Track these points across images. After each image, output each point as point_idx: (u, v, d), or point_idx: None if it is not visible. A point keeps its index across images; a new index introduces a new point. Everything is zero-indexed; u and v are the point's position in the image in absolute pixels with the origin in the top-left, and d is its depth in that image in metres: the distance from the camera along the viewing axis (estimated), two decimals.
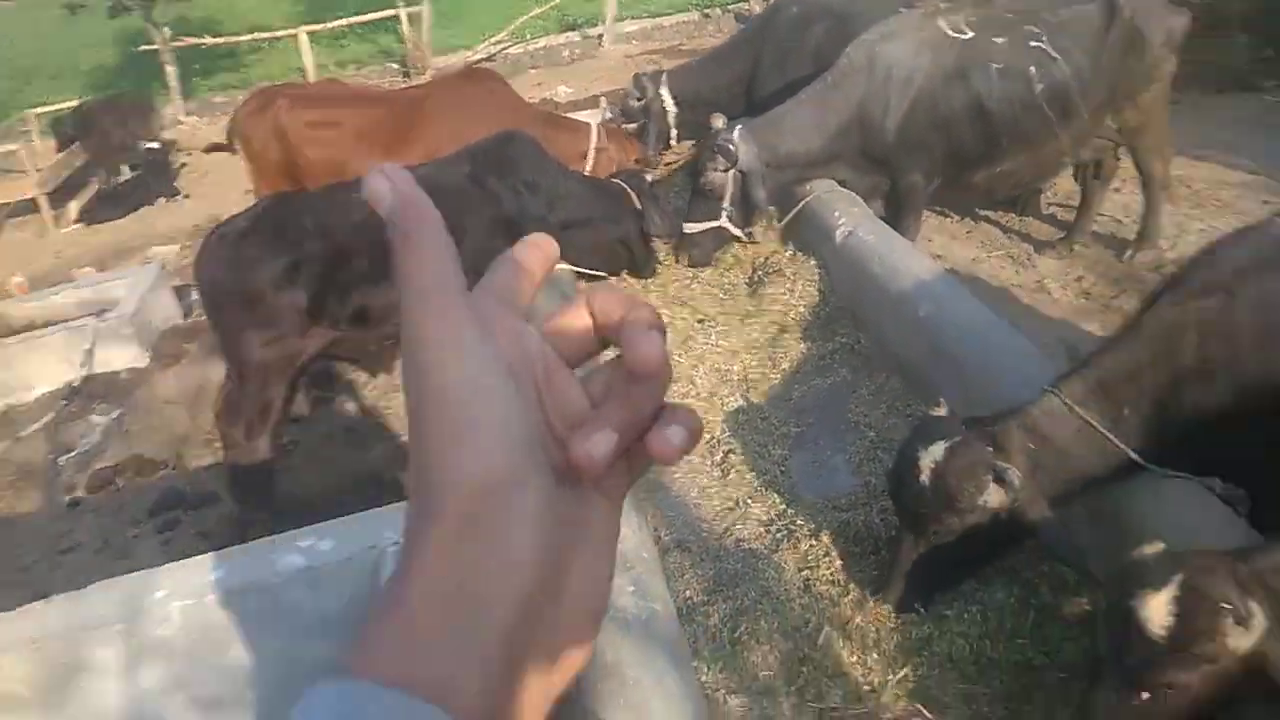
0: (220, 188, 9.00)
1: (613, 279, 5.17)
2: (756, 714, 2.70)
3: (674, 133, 6.69)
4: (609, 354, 0.52)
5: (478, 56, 12.88)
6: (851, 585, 3.12)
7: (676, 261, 5.39)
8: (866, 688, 2.78)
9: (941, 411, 2.97)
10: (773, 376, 4.45)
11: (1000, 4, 5.26)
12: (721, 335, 4.77)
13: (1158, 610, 2.10)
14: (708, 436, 4.05)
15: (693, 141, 6.68)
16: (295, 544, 2.02)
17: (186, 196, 9.53)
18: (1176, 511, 2.81)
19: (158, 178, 9.64)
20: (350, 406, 4.98)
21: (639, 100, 6.65)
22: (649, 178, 5.33)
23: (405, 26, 13.05)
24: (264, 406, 3.85)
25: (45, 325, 5.75)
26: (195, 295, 5.42)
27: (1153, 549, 2.29)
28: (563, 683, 0.48)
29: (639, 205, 4.94)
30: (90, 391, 5.39)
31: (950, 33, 5.06)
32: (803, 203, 5.29)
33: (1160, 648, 2.10)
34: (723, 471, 3.82)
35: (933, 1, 5.36)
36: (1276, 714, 1.97)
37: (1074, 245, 5.54)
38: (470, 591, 0.44)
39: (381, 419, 4.83)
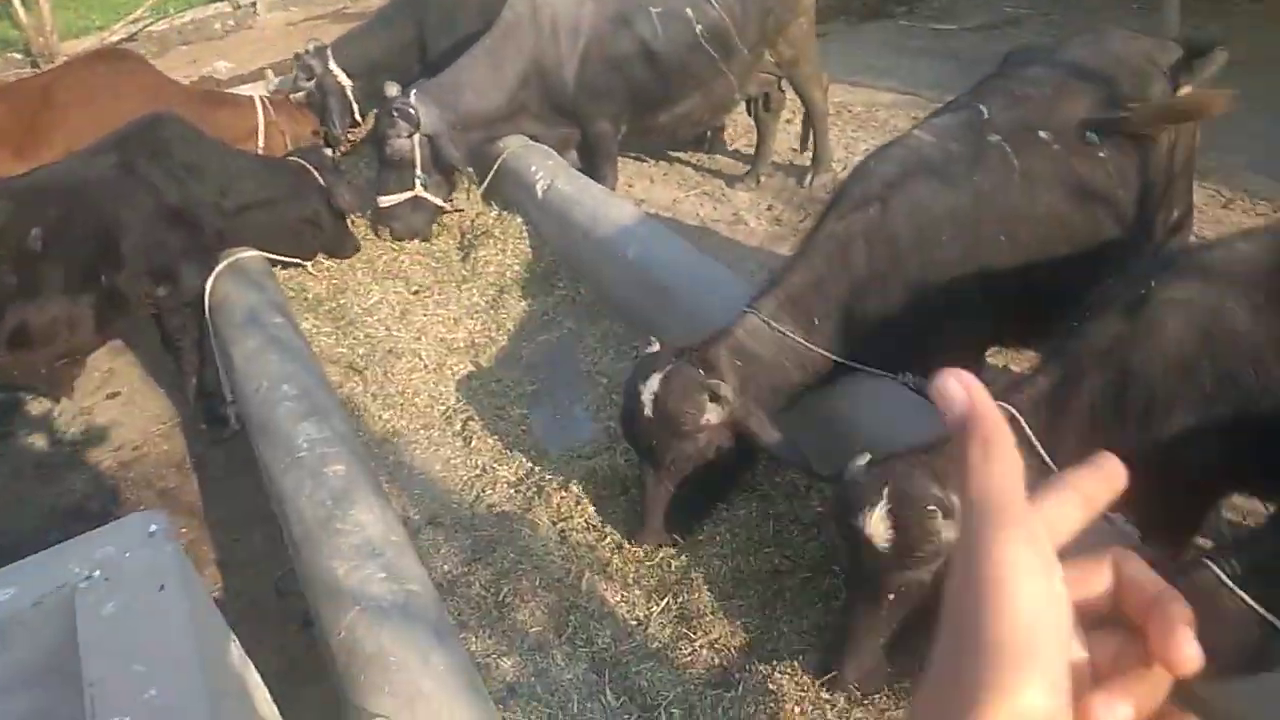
0: None
1: (309, 264, 4.84)
2: (531, 670, 2.68)
3: (356, 107, 6.31)
4: None
5: (116, 37, 11.46)
6: (607, 529, 3.17)
7: (379, 236, 5.15)
8: (634, 623, 2.85)
9: (654, 348, 3.08)
10: (499, 338, 4.39)
11: None
12: (439, 304, 4.63)
13: (878, 526, 2.30)
14: (444, 407, 3.94)
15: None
16: None
17: None
18: (876, 407, 3.10)
19: None
20: (36, 439, 4.36)
21: (309, 80, 6.20)
22: (331, 153, 5.02)
23: (20, 11, 11.33)
24: None
25: None
26: None
27: (862, 461, 2.50)
28: None
29: (322, 181, 4.62)
30: None
31: None
32: (499, 161, 5.22)
33: (889, 557, 2.30)
34: (464, 440, 3.73)
35: None
36: None
37: (760, 176, 5.92)
38: None
39: (74, 447, 4.27)
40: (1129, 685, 0.49)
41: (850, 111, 6.56)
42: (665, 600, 2.89)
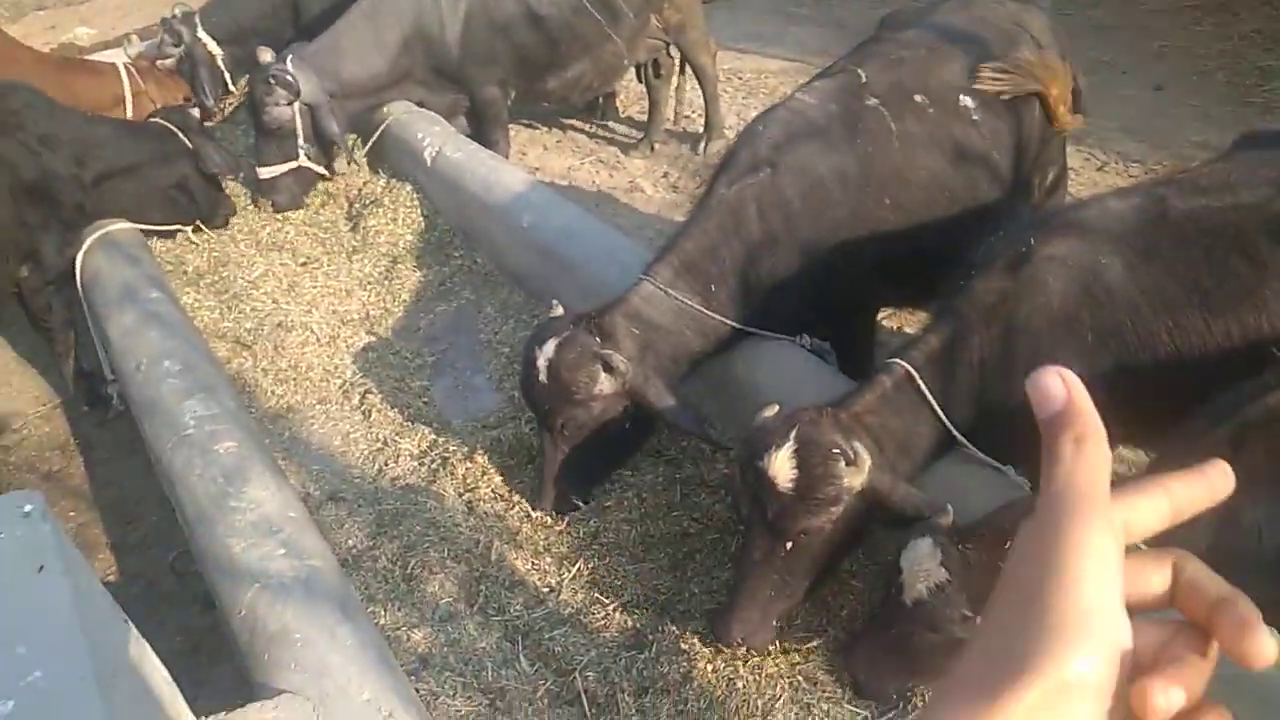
0: None
1: (189, 231, 4.61)
2: (443, 640, 2.66)
3: (228, 75, 5.99)
4: None
5: None
6: (515, 498, 3.16)
7: (259, 207, 4.93)
8: (546, 590, 2.86)
9: (557, 311, 3.07)
10: (395, 309, 4.29)
11: None
12: (330, 275, 4.49)
13: (782, 467, 2.36)
14: (340, 381, 3.84)
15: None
16: None
17: None
18: (775, 370, 3.17)
19: None
20: None
21: (176, 46, 5.85)
22: (195, 113, 4.76)
23: None
24: None
25: None
26: None
27: (770, 412, 2.57)
28: None
29: (189, 143, 4.39)
30: None
31: None
32: (382, 127, 5.08)
33: (791, 499, 2.37)
34: (364, 414, 3.65)
35: None
36: (899, 535, 2.32)
37: (653, 144, 5.94)
38: None
39: None
40: (1181, 673, 0.53)
41: (740, 78, 6.63)
42: (576, 566, 2.91)
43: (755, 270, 3.13)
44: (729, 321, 3.10)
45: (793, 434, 2.38)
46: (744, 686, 2.50)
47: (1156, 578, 0.56)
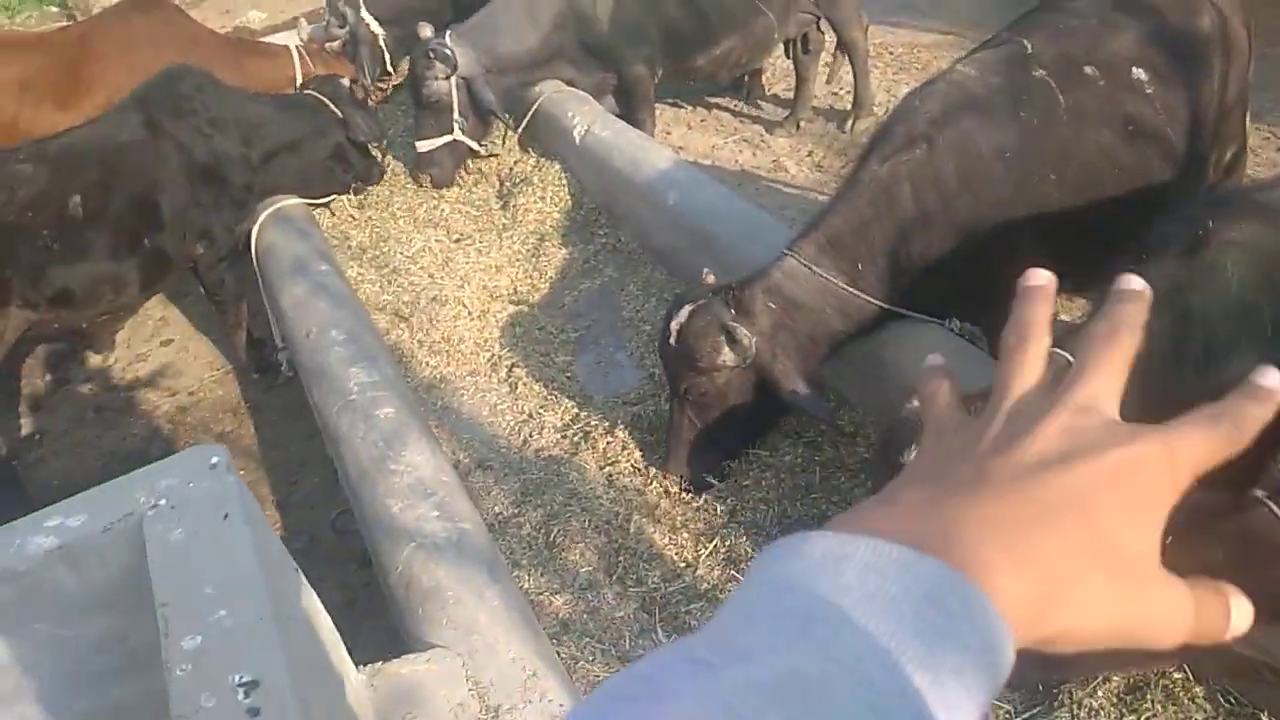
0: None
1: (350, 198, 4.84)
2: (582, 608, 2.74)
3: (388, 55, 6.27)
4: None
5: None
6: (654, 473, 3.21)
7: (419, 184, 5.16)
8: (683, 564, 2.90)
9: (710, 279, 3.08)
10: (541, 286, 4.41)
11: None
12: (481, 252, 4.65)
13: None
14: (489, 354, 3.98)
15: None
16: (41, 525, 1.79)
17: None
18: (924, 353, 3.06)
19: None
20: (94, 385, 4.48)
21: (342, 28, 6.16)
22: (345, 82, 4.97)
23: None
24: None
25: None
26: None
27: (914, 404, 2.50)
28: None
29: (339, 113, 4.54)
30: None
31: None
32: (535, 105, 5.19)
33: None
34: (510, 387, 3.78)
35: None
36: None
37: (799, 122, 5.84)
38: None
39: (131, 393, 4.39)
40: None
41: (891, 53, 6.43)
42: (713, 543, 2.93)
43: (906, 250, 3.04)
44: (874, 301, 3.03)
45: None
46: None
47: None
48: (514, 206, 4.93)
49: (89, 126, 3.96)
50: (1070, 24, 3.23)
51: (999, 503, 0.47)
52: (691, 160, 5.09)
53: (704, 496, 3.11)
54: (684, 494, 3.13)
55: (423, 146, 5.00)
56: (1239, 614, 0.52)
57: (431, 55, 4.78)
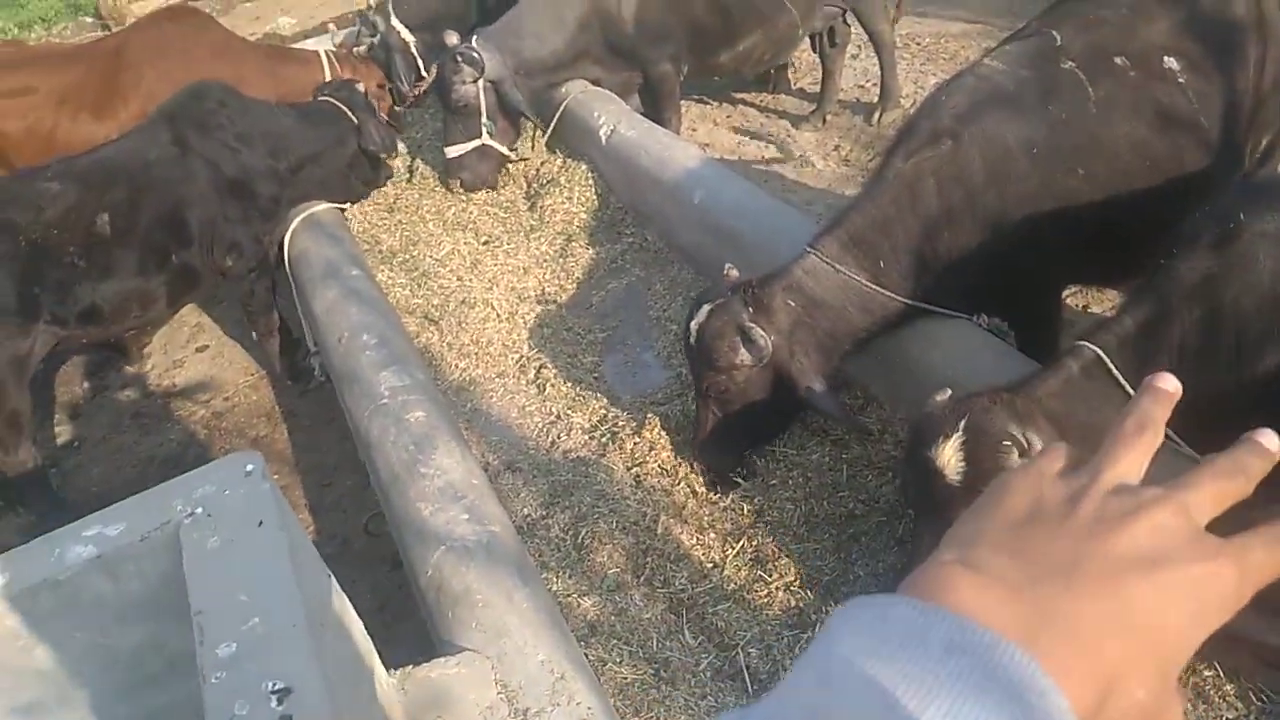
0: None
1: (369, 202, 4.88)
2: (610, 610, 2.76)
3: (420, 62, 6.32)
4: None
5: None
6: (681, 472, 3.22)
7: (449, 189, 5.20)
8: (710, 565, 2.91)
9: (733, 275, 3.08)
10: (569, 287, 4.43)
11: None
12: (509, 254, 4.69)
13: (950, 458, 2.28)
14: (517, 356, 4.02)
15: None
16: (81, 534, 1.84)
17: None
18: (951, 350, 3.06)
19: None
20: (131, 392, 4.58)
21: (372, 37, 6.22)
22: (400, 110, 4.99)
23: None
24: (10, 418, 3.48)
25: None
26: None
27: (942, 397, 2.49)
28: None
29: (355, 119, 4.53)
30: None
31: None
32: (562, 106, 5.21)
33: (957, 491, 2.28)
34: (539, 388, 3.81)
35: None
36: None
37: (825, 116, 5.80)
38: None
39: (168, 399, 4.48)
40: None
41: (918, 44, 6.37)
42: (740, 543, 2.94)
43: (932, 247, 3.02)
44: (897, 297, 3.01)
45: (963, 423, 2.30)
46: None
47: None
48: (541, 208, 4.95)
49: (116, 144, 4.01)
50: (1101, 14, 3.18)
51: (1087, 599, 0.49)
52: (717, 157, 5.09)
53: (731, 496, 3.12)
54: (711, 494, 3.14)
55: (452, 152, 5.05)
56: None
57: (459, 60, 4.82)
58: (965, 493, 2.28)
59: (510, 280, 4.49)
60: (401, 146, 5.52)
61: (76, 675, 1.87)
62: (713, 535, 3.01)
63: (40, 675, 1.93)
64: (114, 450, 4.22)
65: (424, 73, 6.16)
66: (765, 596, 2.77)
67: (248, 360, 4.67)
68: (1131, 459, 0.58)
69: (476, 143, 5.04)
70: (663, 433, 3.38)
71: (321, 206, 4.50)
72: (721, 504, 3.10)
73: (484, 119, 5.00)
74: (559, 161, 5.24)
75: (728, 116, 6.12)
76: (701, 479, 3.19)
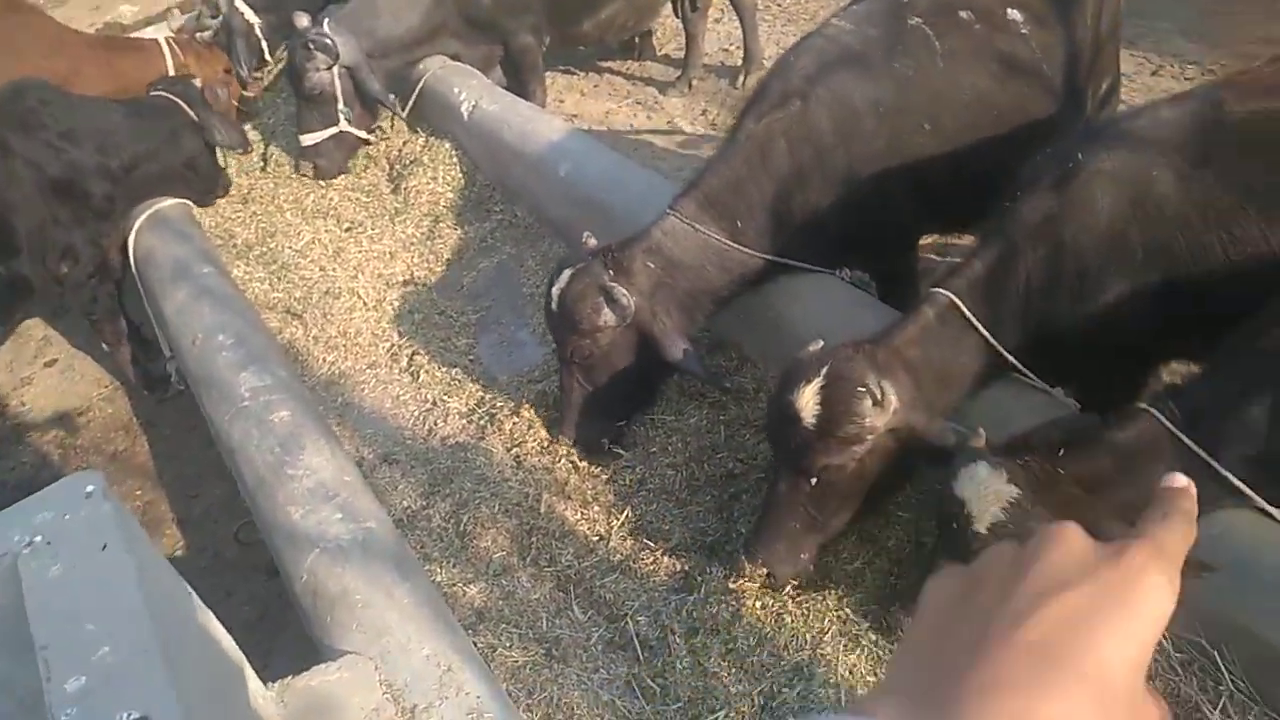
0: None
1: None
2: (498, 594, 2.72)
3: (265, 44, 6.00)
4: None
5: None
6: (561, 449, 3.18)
7: (303, 175, 4.97)
8: (595, 538, 2.89)
9: (591, 243, 3.06)
10: (438, 269, 4.32)
11: None
12: (373, 239, 4.53)
13: (807, 403, 2.33)
14: (388, 344, 3.90)
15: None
16: None
17: None
18: (815, 304, 3.11)
19: None
20: None
21: (214, 18, 5.88)
22: (197, 83, 4.70)
23: None
24: None
25: None
26: None
27: (814, 347, 2.52)
28: None
29: (195, 116, 4.33)
30: None
31: None
32: (419, 85, 5.05)
33: (812, 435, 2.34)
34: (412, 376, 3.70)
35: None
36: (940, 471, 2.27)
37: (691, 81, 5.81)
38: None
39: (17, 419, 4.22)
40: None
41: (779, 5, 6.44)
42: (624, 514, 2.93)
43: (786, 205, 3.06)
44: (756, 254, 3.04)
45: (824, 370, 2.34)
46: (792, 622, 2.52)
47: None
48: (405, 189, 4.81)
49: None
50: None
51: (1003, 665, 0.49)
52: (586, 127, 5.03)
53: (612, 467, 3.10)
54: (592, 468, 3.11)
55: (307, 140, 4.84)
56: None
57: (311, 46, 4.61)
58: (817, 437, 2.34)
59: (376, 267, 4.35)
60: (253, 134, 5.28)
61: None
62: (597, 508, 2.99)
63: None
64: None
65: (268, 57, 5.88)
66: (651, 564, 2.78)
67: (100, 372, 4.40)
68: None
69: (333, 130, 4.84)
70: (542, 410, 3.34)
71: (168, 202, 4.26)
72: (603, 477, 3.09)
73: (340, 106, 4.81)
74: (422, 141, 5.08)
75: (595, 86, 6.06)
76: (570, 445, 3.16)
